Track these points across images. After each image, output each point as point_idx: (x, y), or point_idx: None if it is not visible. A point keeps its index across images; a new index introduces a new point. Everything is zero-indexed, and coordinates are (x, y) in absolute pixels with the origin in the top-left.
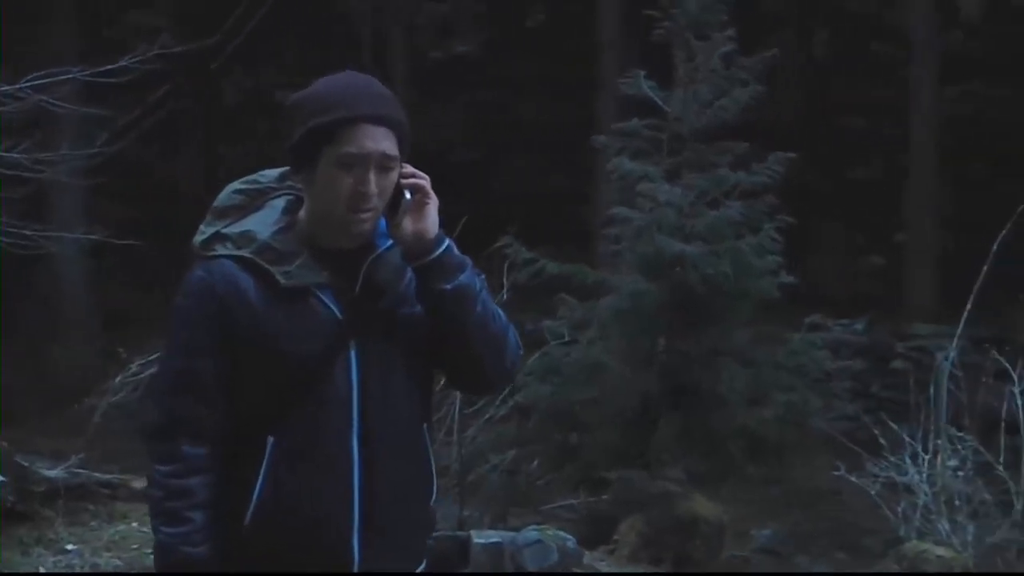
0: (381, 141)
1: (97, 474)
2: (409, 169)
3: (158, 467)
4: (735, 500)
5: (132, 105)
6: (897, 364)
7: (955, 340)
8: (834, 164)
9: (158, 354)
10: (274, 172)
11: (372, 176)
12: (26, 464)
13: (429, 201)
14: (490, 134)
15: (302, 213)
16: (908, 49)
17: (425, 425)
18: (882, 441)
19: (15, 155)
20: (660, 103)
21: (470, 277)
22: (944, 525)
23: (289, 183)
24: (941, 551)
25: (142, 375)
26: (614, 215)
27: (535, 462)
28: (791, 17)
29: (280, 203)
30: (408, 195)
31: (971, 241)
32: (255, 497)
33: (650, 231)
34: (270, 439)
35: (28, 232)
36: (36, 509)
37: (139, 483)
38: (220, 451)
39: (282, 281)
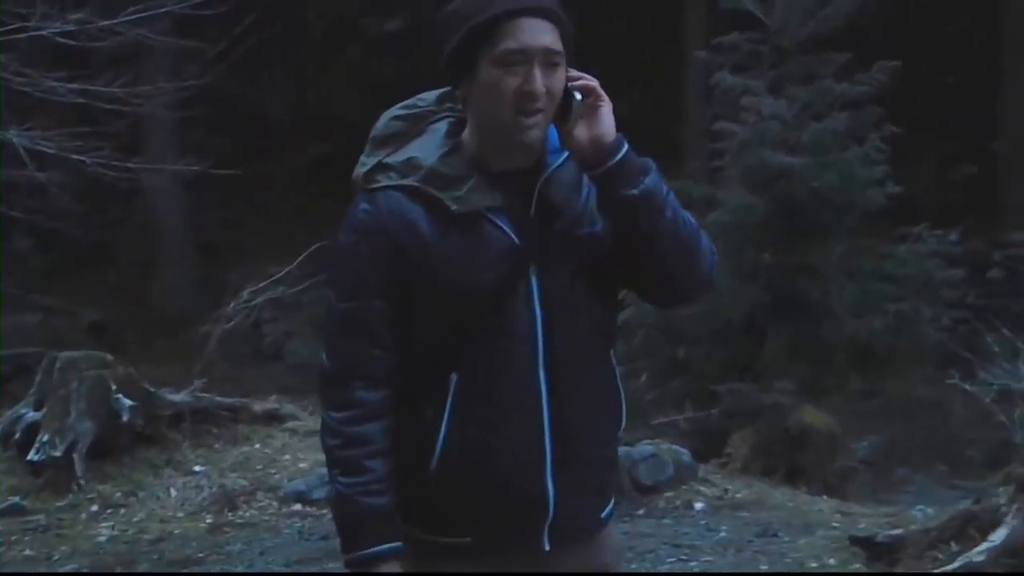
0: (543, 35)
1: (220, 398)
2: (575, 72)
3: (332, 414)
4: (844, 411)
5: (220, 36)
6: (994, 273)
7: None
8: (926, 72)
9: (268, 281)
10: (432, 95)
11: (537, 72)
12: (152, 390)
13: (603, 103)
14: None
15: (466, 134)
16: None
17: (612, 350)
18: (996, 349)
19: (113, 89)
20: (760, 15)
21: (656, 180)
22: None
23: (449, 105)
24: None
25: (253, 302)
26: (718, 130)
27: (643, 376)
28: None
29: (442, 126)
30: (579, 97)
31: None
32: (440, 440)
33: (754, 144)
34: (453, 376)
35: (130, 165)
36: (163, 432)
37: (259, 406)
38: (397, 395)
39: (453, 207)
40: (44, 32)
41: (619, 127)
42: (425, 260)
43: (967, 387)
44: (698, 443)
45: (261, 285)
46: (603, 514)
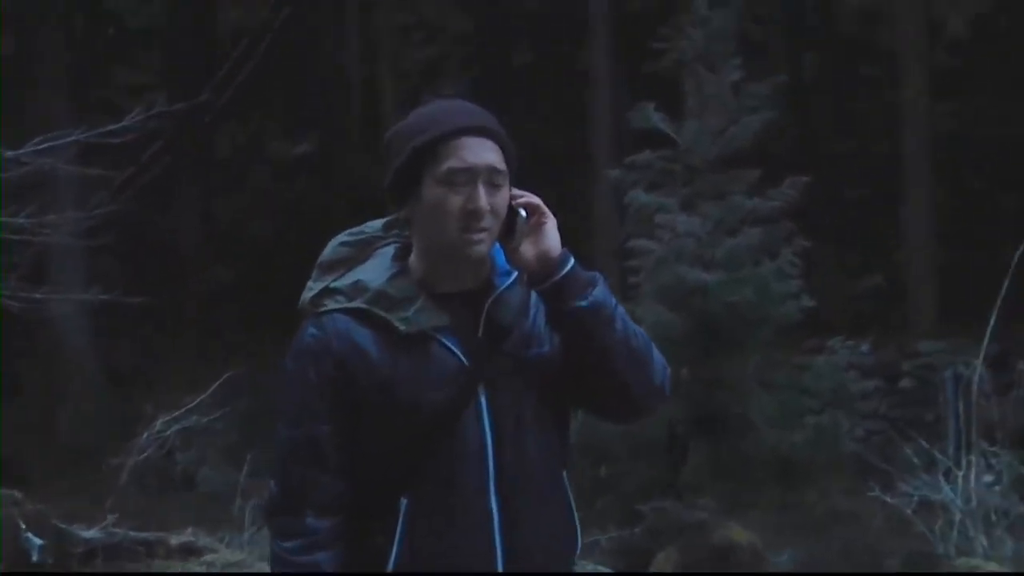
0: (486, 154)
1: (133, 532)
2: (517, 191)
3: (282, 543)
4: (766, 525)
5: (126, 164)
6: (904, 383)
7: (981, 354)
8: (828, 186)
9: (183, 410)
10: (378, 222)
11: (481, 191)
12: (63, 526)
13: (547, 219)
14: None
15: (412, 257)
16: (896, 68)
17: (564, 472)
18: (914, 460)
19: (19, 220)
20: (672, 134)
21: (604, 292)
22: (982, 541)
23: (395, 231)
24: (992, 566)
25: (167, 432)
26: (632, 247)
27: None
28: (778, 42)
29: (389, 251)
30: (523, 214)
31: (970, 256)
32: (391, 566)
33: (670, 261)
34: (403, 501)
35: (37, 295)
36: (75, 570)
37: (175, 539)
38: (347, 520)
39: (401, 328)
40: None
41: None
42: (373, 382)
43: (887, 499)
44: (623, 562)
45: (175, 415)
46: None
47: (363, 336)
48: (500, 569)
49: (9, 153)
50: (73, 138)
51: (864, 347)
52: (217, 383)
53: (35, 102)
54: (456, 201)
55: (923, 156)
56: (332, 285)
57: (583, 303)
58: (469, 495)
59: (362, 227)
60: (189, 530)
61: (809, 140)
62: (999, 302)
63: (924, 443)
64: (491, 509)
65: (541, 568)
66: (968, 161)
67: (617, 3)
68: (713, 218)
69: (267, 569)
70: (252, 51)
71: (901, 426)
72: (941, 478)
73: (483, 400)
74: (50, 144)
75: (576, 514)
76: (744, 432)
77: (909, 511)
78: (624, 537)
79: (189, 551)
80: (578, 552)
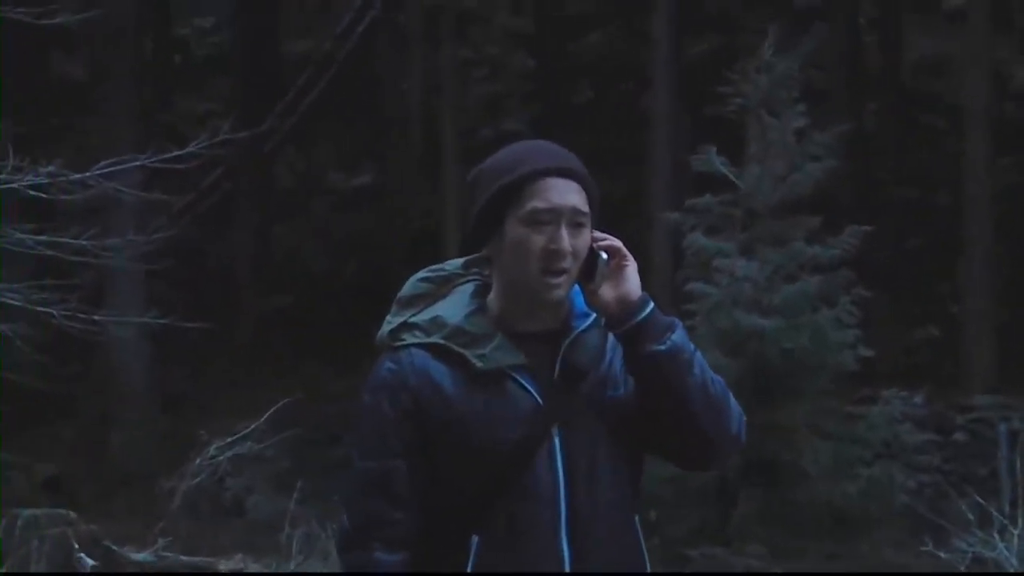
0: (570, 195)
1: (184, 556)
2: (599, 233)
3: None
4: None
5: (188, 189)
6: (958, 437)
7: None
8: (888, 236)
9: (236, 437)
10: (458, 260)
11: (564, 232)
12: (115, 548)
13: (628, 263)
14: None
15: (491, 296)
16: (960, 120)
17: (636, 516)
18: (970, 516)
19: (82, 242)
20: (734, 179)
21: (682, 337)
22: None
23: (475, 270)
24: None
25: (220, 457)
26: (689, 291)
27: None
28: (841, 90)
29: (468, 288)
30: (605, 256)
31: None
32: None
33: (727, 306)
34: (474, 538)
35: (97, 317)
36: None
37: (224, 565)
38: (417, 556)
39: (478, 364)
40: (15, 185)
41: None
42: (448, 418)
43: (941, 554)
44: None
45: (228, 440)
46: None
47: (439, 372)
48: None
49: (75, 176)
50: (139, 163)
51: (918, 399)
52: (272, 410)
53: (101, 127)
54: (538, 241)
55: (984, 209)
56: (410, 320)
57: (661, 347)
58: (540, 536)
59: (442, 264)
60: (238, 556)
61: (870, 189)
62: None
63: (979, 499)
64: (562, 551)
65: None
66: None
67: (680, 46)
68: (772, 264)
69: None
70: (315, 82)
71: (955, 480)
72: (996, 535)
73: (557, 441)
74: (115, 168)
75: (647, 558)
76: (796, 481)
77: (962, 568)
78: None
79: None
80: None
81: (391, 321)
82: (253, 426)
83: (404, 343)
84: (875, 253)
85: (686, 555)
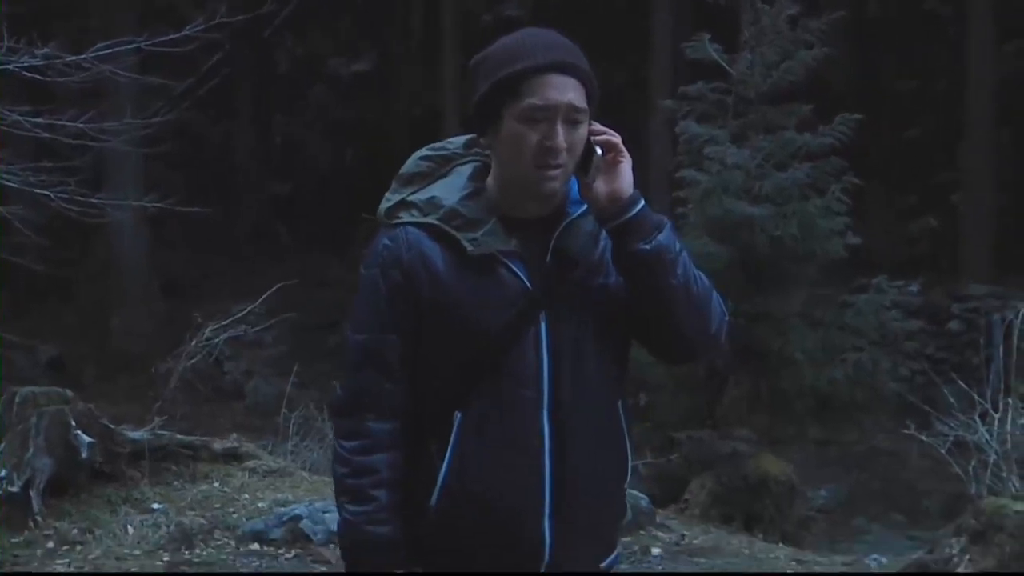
0: (567, 92)
1: (180, 436)
2: (598, 126)
3: (343, 443)
4: (803, 460)
5: (187, 73)
6: (953, 325)
7: None
8: (888, 125)
9: (231, 319)
10: (461, 139)
11: (560, 129)
12: (112, 426)
13: (623, 159)
14: None
15: (490, 179)
16: (962, 5)
17: (620, 402)
18: (951, 400)
19: (79, 124)
20: (726, 66)
21: (669, 237)
22: (1014, 482)
23: (476, 150)
24: (1020, 506)
25: (215, 340)
26: (681, 178)
27: None
28: None
29: (467, 169)
30: (600, 152)
31: None
32: (441, 476)
33: (717, 193)
34: (457, 415)
35: (95, 200)
36: (122, 469)
37: (219, 444)
38: (406, 427)
39: (469, 248)
40: (10, 67)
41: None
42: (438, 297)
43: (923, 438)
44: (659, 489)
45: (223, 323)
46: (604, 563)
47: (433, 251)
48: (547, 487)
49: (70, 58)
50: (134, 45)
51: (913, 287)
52: (266, 294)
53: (100, 9)
54: (533, 137)
55: (987, 95)
56: (408, 198)
57: (646, 246)
58: (522, 416)
59: (444, 143)
60: (233, 436)
61: (870, 77)
62: None
63: (963, 384)
64: (542, 430)
65: (586, 489)
66: None
67: None
68: (763, 151)
69: (305, 476)
70: None
71: (946, 368)
72: (977, 419)
73: (544, 325)
74: (112, 51)
75: (630, 443)
76: (783, 367)
77: (943, 451)
78: (660, 464)
79: (232, 456)
80: (627, 481)
81: (390, 198)
82: (247, 309)
83: (401, 220)
84: (874, 143)
85: (674, 438)
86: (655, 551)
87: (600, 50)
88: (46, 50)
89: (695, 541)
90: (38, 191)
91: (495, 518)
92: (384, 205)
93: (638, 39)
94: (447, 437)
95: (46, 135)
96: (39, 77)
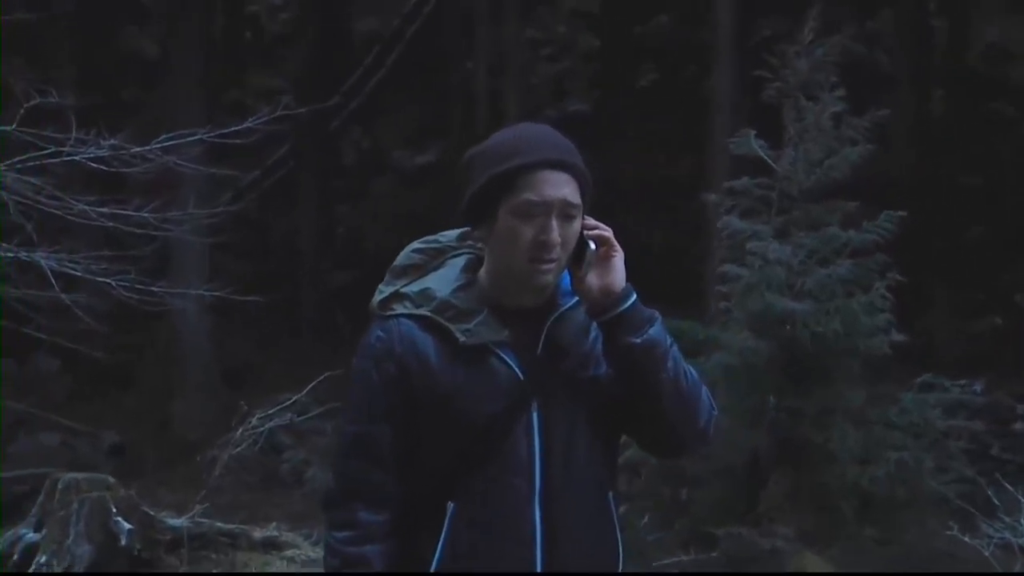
0: (562, 188)
1: (219, 523)
2: (591, 221)
3: (334, 534)
4: (845, 560)
5: (253, 165)
6: (1018, 426)
7: None
8: (952, 222)
9: (277, 408)
10: (453, 232)
11: (554, 224)
12: (152, 513)
13: (615, 253)
14: (602, 191)
15: (482, 272)
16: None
17: (611, 493)
18: (996, 502)
19: (144, 214)
20: (770, 162)
21: (659, 332)
22: None
23: (469, 243)
24: None
25: (262, 428)
26: (724, 272)
27: (645, 517)
28: (906, 75)
29: (460, 262)
30: (593, 246)
31: None
32: (433, 567)
33: (759, 289)
34: (450, 505)
35: (155, 288)
36: (161, 556)
37: (259, 533)
38: (397, 518)
39: (461, 339)
40: (77, 158)
41: (647, 266)
42: (431, 388)
43: (966, 539)
44: None
45: (270, 412)
46: None
47: (425, 343)
48: None
49: (135, 149)
50: (198, 136)
51: (976, 386)
52: (312, 384)
53: (170, 101)
54: (528, 232)
55: None
56: (401, 290)
57: (637, 339)
58: (514, 506)
59: (437, 236)
60: (273, 525)
61: (934, 175)
62: None
63: (1007, 484)
64: (535, 521)
65: None
66: None
67: (744, 30)
68: (806, 248)
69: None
70: (382, 60)
71: (1010, 469)
72: (1023, 521)
73: (535, 415)
74: (175, 142)
75: (620, 534)
76: (825, 464)
77: (987, 553)
78: (700, 561)
79: (271, 545)
80: (619, 569)
81: (383, 290)
82: (295, 398)
83: (394, 313)
84: (937, 240)
85: (713, 534)
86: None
87: (661, 146)
88: (112, 141)
89: None
90: (100, 279)
91: None
92: (377, 297)
93: (697, 137)
94: (439, 528)
95: (111, 224)
96: (103, 168)
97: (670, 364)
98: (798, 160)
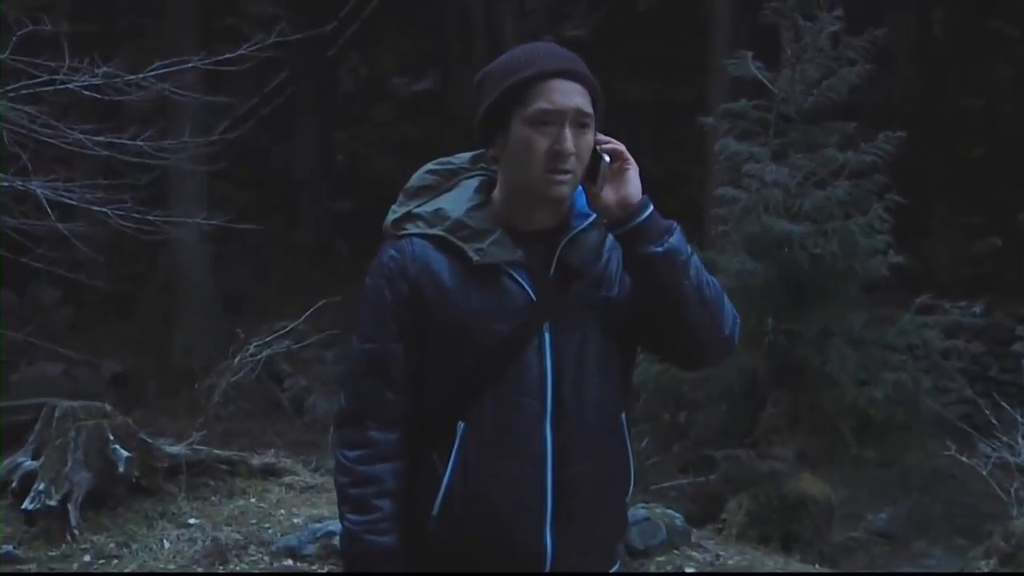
0: (574, 96)
1: (217, 451)
2: (604, 136)
3: (345, 452)
4: (845, 482)
5: (250, 93)
6: (1017, 347)
7: None
8: (953, 144)
9: (274, 335)
10: (467, 155)
11: (568, 133)
12: (150, 441)
13: (630, 166)
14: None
15: (496, 192)
16: None
17: (623, 414)
18: (995, 422)
19: (139, 143)
20: (768, 83)
21: (680, 240)
22: None
23: (482, 164)
24: None
25: (259, 356)
26: (721, 195)
27: (644, 441)
28: None
29: (473, 183)
30: (607, 159)
31: None
32: (444, 486)
33: (756, 211)
34: (461, 424)
35: (151, 217)
36: (160, 484)
37: (257, 460)
38: (409, 437)
39: (475, 258)
40: (70, 86)
41: (648, 190)
42: (444, 307)
43: (964, 459)
44: (695, 508)
45: (268, 339)
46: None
47: (439, 262)
48: (549, 497)
49: (129, 77)
50: (192, 64)
51: (976, 308)
52: (308, 312)
53: (164, 29)
54: (543, 142)
55: None
56: (414, 211)
57: (658, 249)
58: (525, 426)
59: (451, 158)
60: (271, 451)
61: (935, 96)
62: None
63: (1004, 403)
64: (546, 441)
65: (589, 500)
66: None
67: None
68: (803, 169)
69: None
70: None
71: (1008, 389)
72: (1021, 440)
73: (547, 336)
74: (170, 70)
75: (633, 456)
76: (823, 386)
77: (984, 472)
78: (698, 483)
79: (270, 472)
80: (630, 493)
81: (396, 211)
82: (291, 325)
83: (407, 232)
84: (938, 162)
85: (711, 456)
86: (689, 571)
87: (662, 70)
88: (105, 69)
89: (730, 562)
90: (96, 208)
91: (497, 527)
92: (390, 217)
93: (697, 60)
94: (450, 447)
95: (106, 153)
96: (97, 96)
97: (692, 272)
98: (795, 81)
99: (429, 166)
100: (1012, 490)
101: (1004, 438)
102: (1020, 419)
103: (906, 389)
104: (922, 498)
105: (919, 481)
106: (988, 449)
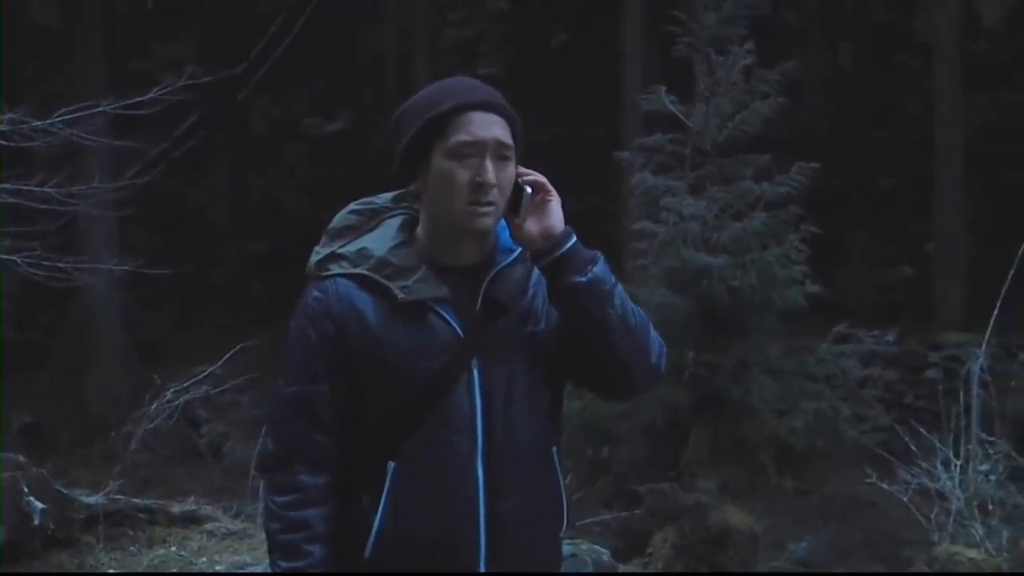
0: (493, 128)
1: (135, 499)
2: (525, 169)
3: (275, 498)
4: (768, 511)
5: (161, 136)
6: (930, 374)
7: (983, 347)
8: (862, 174)
9: (191, 381)
10: (389, 194)
11: (489, 164)
12: (65, 491)
13: (552, 197)
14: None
15: (419, 230)
16: (931, 58)
17: (554, 448)
18: (914, 448)
19: (47, 189)
20: (682, 117)
21: (603, 270)
22: (978, 529)
23: (405, 203)
24: (973, 553)
25: (176, 402)
26: (639, 229)
27: (568, 477)
28: (815, 30)
29: (396, 221)
30: (529, 191)
31: (1001, 249)
32: (375, 527)
33: (675, 244)
34: (391, 464)
35: (61, 264)
36: (76, 536)
37: (177, 508)
38: (339, 479)
39: (400, 295)
40: None
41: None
42: (370, 346)
43: (884, 486)
44: (621, 543)
45: (185, 384)
46: None
47: (363, 301)
48: (482, 535)
49: (37, 122)
50: (101, 108)
51: (890, 336)
52: (225, 356)
53: (72, 72)
54: (464, 174)
55: (956, 148)
56: (338, 251)
57: (582, 279)
58: (456, 463)
59: (373, 198)
60: (192, 498)
61: (845, 128)
62: (1002, 295)
63: (925, 433)
64: (477, 478)
65: (522, 537)
66: (1001, 154)
67: None
68: (720, 202)
69: (263, 537)
70: (289, 27)
71: (923, 415)
72: (939, 466)
73: (476, 372)
74: (79, 114)
75: (565, 490)
76: (744, 417)
77: (904, 499)
78: (623, 518)
79: (190, 519)
80: (564, 528)
81: (319, 251)
82: (208, 371)
83: (331, 273)
84: (851, 192)
85: (635, 490)
86: None
87: (574, 103)
88: (11, 116)
89: None
90: (4, 257)
91: (430, 566)
92: (314, 258)
93: (611, 95)
94: (380, 488)
95: (13, 200)
96: (4, 143)
97: (617, 301)
98: (710, 115)
99: (351, 206)
100: (932, 516)
101: (923, 464)
102: (938, 445)
103: (825, 418)
104: (843, 526)
105: (840, 509)
106: (908, 476)
